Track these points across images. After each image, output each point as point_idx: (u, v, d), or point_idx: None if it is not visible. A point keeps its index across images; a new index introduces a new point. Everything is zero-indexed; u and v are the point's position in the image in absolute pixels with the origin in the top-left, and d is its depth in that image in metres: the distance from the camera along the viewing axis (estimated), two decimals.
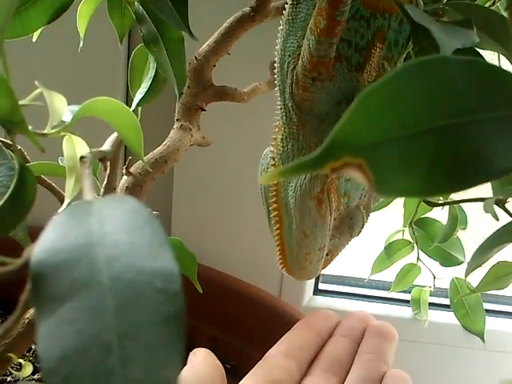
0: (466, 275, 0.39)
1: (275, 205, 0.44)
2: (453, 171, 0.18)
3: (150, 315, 0.18)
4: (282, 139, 0.43)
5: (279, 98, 0.43)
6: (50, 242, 0.19)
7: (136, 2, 0.41)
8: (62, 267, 0.19)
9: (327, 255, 0.46)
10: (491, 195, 0.42)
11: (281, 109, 0.43)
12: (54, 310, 0.18)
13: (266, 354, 0.46)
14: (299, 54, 0.41)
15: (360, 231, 0.46)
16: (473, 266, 0.37)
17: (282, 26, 0.42)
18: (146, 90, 0.43)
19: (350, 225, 0.45)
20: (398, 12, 0.40)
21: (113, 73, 0.78)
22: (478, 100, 0.18)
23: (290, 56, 0.42)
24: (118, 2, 0.44)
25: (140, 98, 0.43)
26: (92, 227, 0.20)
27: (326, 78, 0.40)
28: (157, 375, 0.17)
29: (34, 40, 0.43)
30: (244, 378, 0.43)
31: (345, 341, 0.49)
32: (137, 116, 0.48)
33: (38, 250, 0.19)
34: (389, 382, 0.45)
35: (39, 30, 0.41)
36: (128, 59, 0.77)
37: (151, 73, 0.42)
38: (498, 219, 0.37)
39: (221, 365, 0.43)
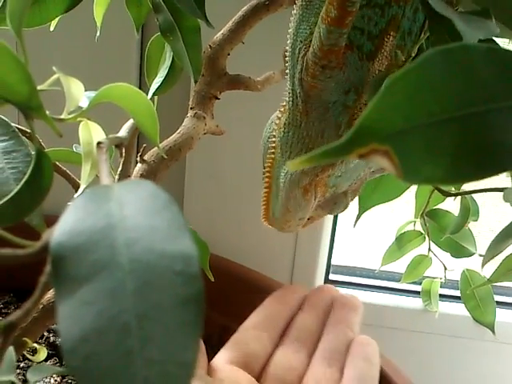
0: (483, 265, 0.40)
1: (268, 174, 0.46)
2: (476, 159, 0.18)
3: (169, 297, 0.18)
4: (284, 123, 0.44)
5: (288, 82, 0.43)
6: (69, 224, 0.20)
7: None
8: (82, 249, 0.19)
9: (308, 219, 0.48)
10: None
11: (289, 93, 0.44)
12: (73, 292, 0.18)
13: (240, 327, 0.48)
14: (311, 41, 0.40)
15: (341, 211, 0.48)
16: (490, 256, 0.37)
17: (295, 11, 0.42)
18: (162, 79, 0.43)
19: (331, 208, 0.47)
20: (412, 0, 0.40)
21: (126, 62, 0.78)
22: (500, 88, 0.18)
23: (301, 42, 0.42)
24: None
25: (156, 87, 0.43)
26: (111, 210, 0.20)
27: (336, 67, 0.40)
28: (175, 357, 0.17)
29: (52, 29, 0.43)
30: (220, 351, 0.45)
31: (314, 312, 0.51)
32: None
33: (58, 233, 0.19)
34: (356, 346, 0.48)
35: (56, 19, 0.41)
36: (141, 48, 0.77)
37: (167, 62, 0.42)
38: None
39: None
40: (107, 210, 0.20)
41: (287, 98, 0.44)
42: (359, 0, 0.37)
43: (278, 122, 0.44)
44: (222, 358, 0.45)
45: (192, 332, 0.18)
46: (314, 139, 0.43)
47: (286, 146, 0.44)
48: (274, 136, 0.45)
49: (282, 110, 0.44)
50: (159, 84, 0.43)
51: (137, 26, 0.47)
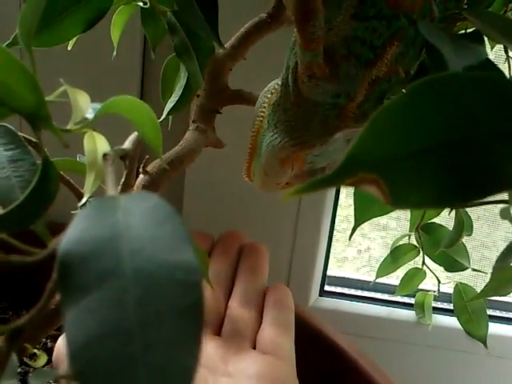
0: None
1: (254, 138, 0.47)
2: (465, 183, 0.19)
3: (171, 306, 0.19)
4: (274, 103, 0.45)
5: (284, 70, 0.43)
6: (77, 233, 0.20)
7: (168, 13, 0.41)
8: (89, 258, 0.19)
9: (286, 184, 0.49)
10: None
11: (282, 78, 0.44)
12: (79, 299, 0.19)
13: None
14: None
15: None
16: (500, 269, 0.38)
17: None
18: (177, 98, 0.43)
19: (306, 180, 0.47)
20: (420, 8, 0.38)
21: (128, 76, 0.78)
22: (486, 114, 0.19)
23: None
24: (151, 13, 0.45)
25: (171, 106, 0.43)
26: (117, 221, 0.21)
27: (321, 78, 0.40)
28: (177, 363, 0.18)
29: (69, 48, 0.44)
30: None
31: (225, 259, 0.56)
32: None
33: (66, 241, 0.20)
34: (271, 293, 0.53)
35: (74, 39, 0.42)
36: (143, 67, 0.78)
37: (182, 82, 0.42)
38: None
39: None
40: (113, 221, 0.21)
41: (280, 82, 0.44)
42: (317, 28, 0.37)
43: (269, 96, 0.45)
44: None
45: (193, 340, 0.18)
46: (299, 124, 0.43)
47: (272, 121, 0.45)
48: (265, 107, 0.46)
49: (277, 87, 0.45)
50: (174, 103, 0.43)
51: (153, 46, 0.48)
